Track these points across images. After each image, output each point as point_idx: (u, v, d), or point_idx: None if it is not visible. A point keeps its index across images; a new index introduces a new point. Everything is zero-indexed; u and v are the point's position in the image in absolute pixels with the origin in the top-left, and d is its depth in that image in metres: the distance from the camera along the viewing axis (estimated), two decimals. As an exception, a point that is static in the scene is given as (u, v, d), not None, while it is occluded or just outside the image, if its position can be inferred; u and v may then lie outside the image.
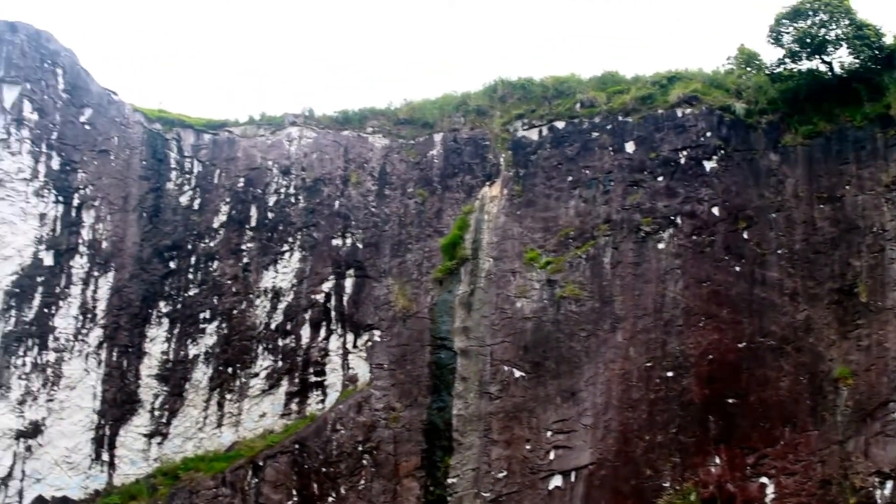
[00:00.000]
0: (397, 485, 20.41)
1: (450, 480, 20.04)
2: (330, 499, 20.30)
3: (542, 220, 21.15)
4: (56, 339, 21.46)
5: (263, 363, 21.19)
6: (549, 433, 19.45)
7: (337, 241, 21.66)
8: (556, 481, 19.17)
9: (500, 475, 19.57)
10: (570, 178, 21.13)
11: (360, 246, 21.46)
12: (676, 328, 18.95)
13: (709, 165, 20.37)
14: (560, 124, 21.67)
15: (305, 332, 21.29)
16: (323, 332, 21.28)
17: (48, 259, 21.57)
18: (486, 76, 34.63)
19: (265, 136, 22.78)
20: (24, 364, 21.34)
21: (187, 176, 22.32)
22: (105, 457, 21.36)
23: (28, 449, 21.13)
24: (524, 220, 21.27)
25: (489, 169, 21.73)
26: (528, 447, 19.49)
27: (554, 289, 20.31)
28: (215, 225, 22.02)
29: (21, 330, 21.39)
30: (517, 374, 20.08)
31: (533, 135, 21.89)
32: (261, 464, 20.66)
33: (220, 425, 21.34)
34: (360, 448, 20.62)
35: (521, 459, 19.53)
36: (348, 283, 21.18)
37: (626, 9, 45.21)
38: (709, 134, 20.73)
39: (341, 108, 22.27)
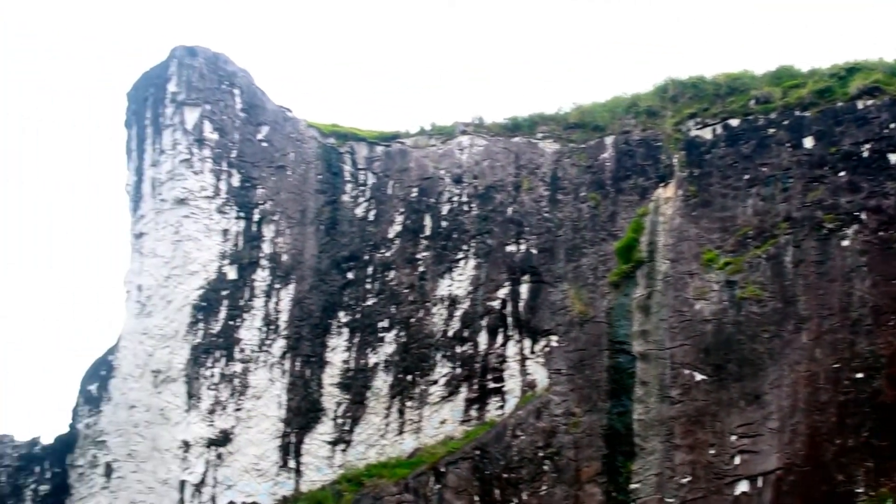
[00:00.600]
0: (579, 490, 28.50)
1: (632, 486, 27.64)
2: (512, 504, 29.16)
3: (719, 221, 28.66)
4: (242, 350, 30.89)
5: (442, 370, 29.27)
6: (733, 437, 26.33)
7: (511, 248, 29.60)
8: (743, 486, 26.35)
9: (685, 480, 26.93)
10: (746, 177, 28.68)
11: (535, 251, 29.20)
12: (865, 328, 24.36)
13: (893, 158, 25.94)
14: (734, 122, 29.42)
15: (483, 338, 29.33)
16: (500, 339, 29.70)
17: (232, 273, 30.46)
18: (655, 77, 43.10)
19: (436, 146, 31.53)
20: (212, 375, 31.03)
21: (362, 188, 30.97)
22: (292, 464, 30.66)
23: (219, 456, 30.75)
24: (700, 220, 29.10)
25: (662, 170, 29.02)
26: (712, 452, 26.66)
27: (734, 290, 27.78)
28: (390, 235, 30.38)
29: (209, 342, 31.08)
30: (698, 377, 27.17)
31: (706, 134, 29.83)
32: (443, 470, 29.05)
33: (401, 432, 30.22)
34: (540, 454, 28.82)
35: (705, 464, 26.69)
36: (524, 289, 29.04)
37: (797, 2, 54.27)
38: (892, 125, 26.14)
39: (511, 115, 30.69)
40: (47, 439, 35.19)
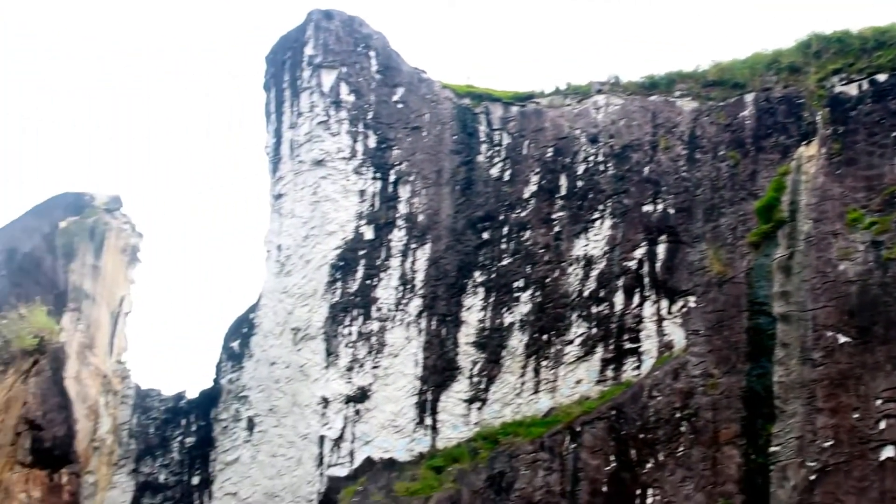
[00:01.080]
0: (717, 452, 32.22)
1: (772, 448, 30.91)
2: (648, 465, 32.47)
3: (865, 179, 31.53)
4: (379, 309, 36.19)
5: (578, 330, 33.77)
6: (878, 402, 28.69)
7: (648, 208, 33.79)
8: (888, 452, 28.72)
9: (827, 444, 29.67)
10: (894, 134, 31.78)
11: (672, 211, 33.34)
12: None
13: None
14: (882, 77, 31.97)
15: (619, 299, 33.71)
16: (636, 299, 33.90)
17: (369, 233, 36.07)
18: (797, 32, 46.26)
19: (572, 106, 35.98)
20: (350, 333, 36.54)
21: (497, 148, 35.76)
22: (428, 421, 35.97)
23: (357, 413, 36.31)
24: (845, 179, 32.11)
25: (805, 128, 32.33)
26: (855, 416, 29.48)
27: (880, 250, 30.43)
28: (526, 195, 35.11)
29: (346, 301, 36.56)
30: (842, 339, 29.30)
31: (852, 90, 32.68)
32: (578, 429, 33.25)
33: (536, 391, 34.98)
34: (677, 415, 32.71)
35: (848, 429, 29.54)
36: (661, 249, 33.12)
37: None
38: None
39: (647, 73, 35.05)
40: (192, 394, 42.13)
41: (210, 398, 41.06)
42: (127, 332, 46.86)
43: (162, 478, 41.44)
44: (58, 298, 44.13)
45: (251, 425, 39.16)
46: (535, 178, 35.45)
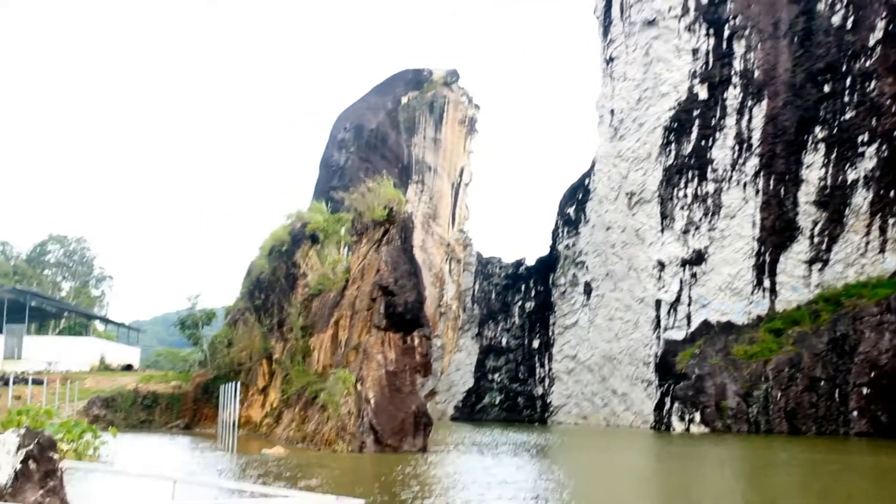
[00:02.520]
0: None
1: None
2: None
3: None
4: (714, 170, 40.34)
5: None
6: None
7: None
8: None
9: None
10: None
11: None
12: None
13: None
14: None
15: None
16: None
17: (703, 92, 40.37)
18: None
19: None
20: (685, 196, 41.09)
21: (839, -5, 38.98)
22: (766, 283, 39.88)
23: (693, 276, 41.01)
24: None
25: None
26: None
27: None
28: (871, 42, 36.98)
29: (681, 163, 41.00)
30: None
31: None
32: None
33: (882, 251, 37.58)
34: None
35: None
36: None
37: None
38: None
39: None
40: (531, 261, 48.65)
41: (548, 264, 47.51)
42: (467, 201, 54.17)
43: (504, 341, 48.82)
44: (402, 171, 51.91)
45: (588, 290, 45.19)
46: (881, 24, 37.36)
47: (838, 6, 38.18)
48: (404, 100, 54.17)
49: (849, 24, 37.82)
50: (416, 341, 43.91)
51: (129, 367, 47.92)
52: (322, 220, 45.56)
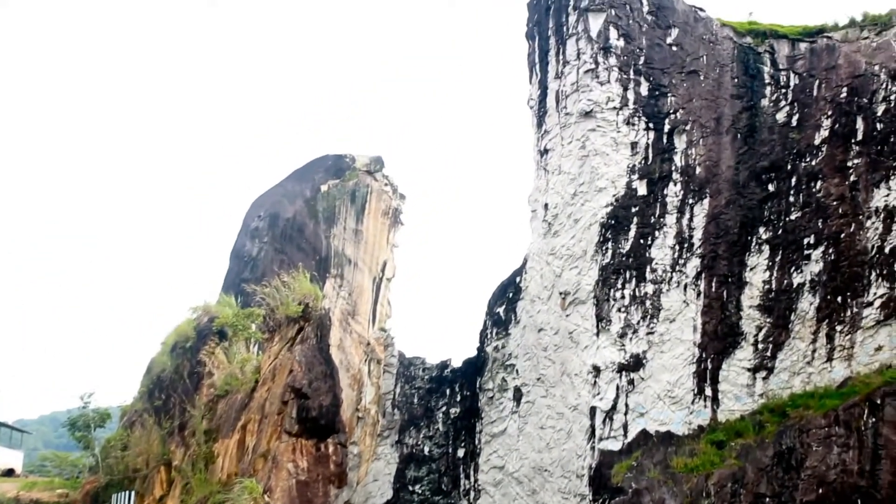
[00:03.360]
0: None
1: None
2: (962, 443, 35.44)
3: None
4: (653, 270, 39.86)
5: (877, 291, 35.94)
6: None
7: None
8: None
9: None
10: None
11: None
12: None
13: None
14: None
15: None
16: (947, 255, 36.43)
17: (642, 188, 40.00)
18: None
19: (869, 39, 37.77)
20: (622, 297, 40.53)
21: (783, 90, 38.28)
22: (708, 391, 39.16)
23: (630, 382, 40.21)
24: None
25: None
26: None
27: None
28: (817, 141, 37.44)
29: (618, 262, 40.36)
30: None
31: None
32: (879, 402, 34.98)
33: (829, 359, 37.59)
34: None
35: None
36: None
37: None
38: None
39: (959, -3, 37.07)
40: (457, 362, 47.92)
41: (475, 367, 46.83)
42: (390, 297, 53.57)
43: (427, 449, 47.73)
44: (320, 264, 51.33)
45: (518, 395, 44.54)
46: (827, 123, 38.12)
47: (783, 103, 38.87)
48: (324, 188, 53.85)
49: (794, 122, 38.55)
50: (331, 449, 42.32)
51: (10, 473, 45.95)
52: (231, 315, 44.68)
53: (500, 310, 45.50)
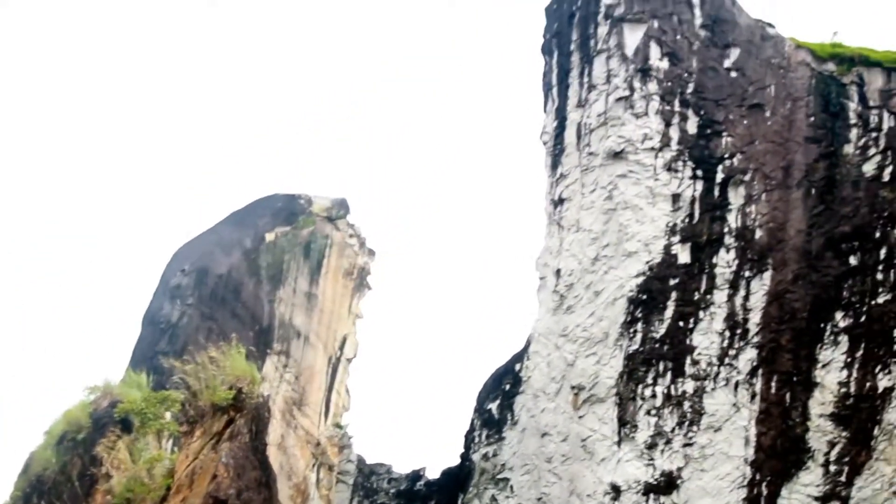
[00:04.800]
0: None
1: None
2: None
3: None
4: (695, 362, 38.58)
5: None
6: None
7: None
8: None
9: None
10: None
11: None
12: None
13: None
14: None
15: None
16: None
17: (683, 255, 38.63)
18: None
19: None
20: (653, 395, 39.27)
21: (874, 135, 37.31)
22: (762, 525, 38.64)
23: (660, 508, 39.59)
24: None
25: None
26: None
27: None
28: (916, 203, 37.84)
29: (649, 350, 39.34)
30: None
31: None
32: None
33: (924, 489, 36.81)
34: None
35: None
36: None
37: None
38: None
39: None
40: (433, 472, 46.59)
41: (457, 479, 45.41)
42: (349, 384, 52.25)
43: (389, 586, 46.35)
44: (259, 336, 50.03)
45: (513, 520, 43.28)
46: (930, 178, 37.35)
47: (873, 150, 38.11)
48: (270, 237, 52.74)
49: (885, 176, 37.64)
50: (262, 580, 40.88)
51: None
52: (140, 400, 43.40)
53: (493, 406, 44.28)
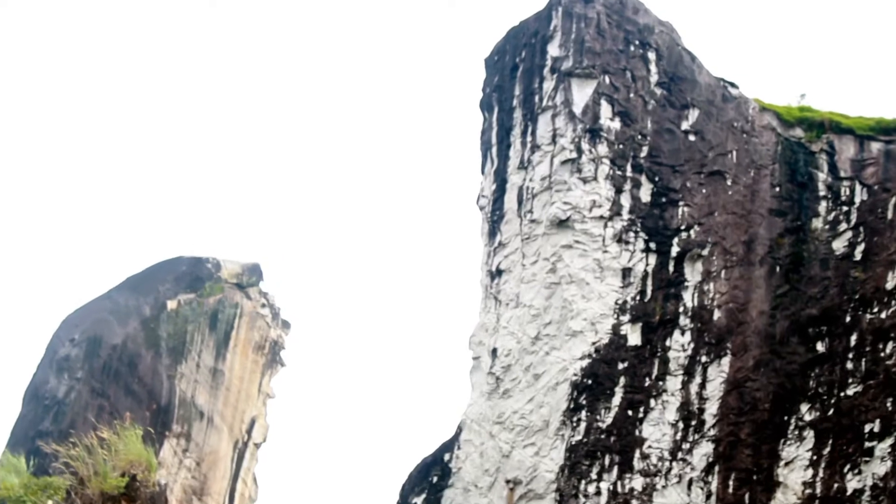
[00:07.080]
0: None
1: None
2: None
3: None
4: (645, 456, 38.06)
5: None
6: None
7: None
8: None
9: None
10: None
11: None
12: None
13: None
14: None
15: None
16: None
17: (633, 336, 38.07)
18: None
19: None
20: (598, 492, 38.27)
21: (844, 209, 37.24)
22: None
23: None
24: None
25: None
26: None
27: None
28: (889, 285, 36.08)
29: (594, 441, 38.67)
30: None
31: None
32: None
33: None
34: None
35: None
36: None
37: None
38: None
39: None
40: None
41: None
42: (256, 472, 51.17)
43: None
44: (157, 416, 48.94)
45: None
46: (906, 258, 37.18)
47: (843, 226, 37.99)
48: (171, 304, 51.77)
49: (857, 254, 37.50)
50: None
51: None
52: (18, 486, 42.02)
53: (419, 500, 43.36)
